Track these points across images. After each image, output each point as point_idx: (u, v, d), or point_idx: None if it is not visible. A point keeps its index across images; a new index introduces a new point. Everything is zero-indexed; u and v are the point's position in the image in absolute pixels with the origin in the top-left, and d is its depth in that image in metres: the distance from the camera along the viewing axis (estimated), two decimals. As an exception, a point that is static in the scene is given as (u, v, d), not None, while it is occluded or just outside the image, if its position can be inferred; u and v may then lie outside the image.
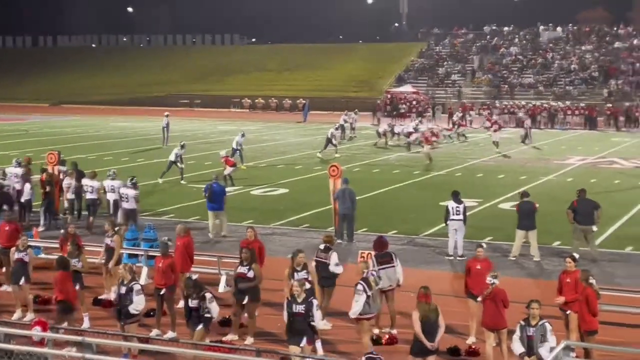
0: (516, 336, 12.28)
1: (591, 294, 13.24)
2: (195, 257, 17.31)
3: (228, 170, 30.51)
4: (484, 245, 15.27)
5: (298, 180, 33.79)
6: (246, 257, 14.89)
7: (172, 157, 33.05)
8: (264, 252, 16.95)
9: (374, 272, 14.66)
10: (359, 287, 13.79)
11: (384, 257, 15.44)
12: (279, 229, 24.51)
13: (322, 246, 15.84)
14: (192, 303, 13.38)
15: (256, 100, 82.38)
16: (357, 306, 13.69)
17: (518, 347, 12.24)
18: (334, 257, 15.60)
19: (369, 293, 13.76)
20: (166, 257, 15.41)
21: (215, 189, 23.17)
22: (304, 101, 73.30)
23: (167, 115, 48.25)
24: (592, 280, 13.41)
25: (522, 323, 12.28)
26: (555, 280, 14.98)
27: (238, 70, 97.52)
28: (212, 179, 24.54)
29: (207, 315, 13.35)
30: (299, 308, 12.58)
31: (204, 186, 24.29)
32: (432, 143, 40.82)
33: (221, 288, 17.70)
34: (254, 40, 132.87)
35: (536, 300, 12.35)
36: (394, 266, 15.41)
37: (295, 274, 14.42)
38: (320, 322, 13.22)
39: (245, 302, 14.84)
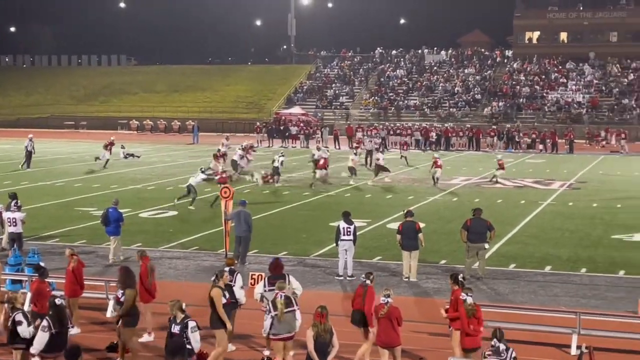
0: None
1: (462, 312, 13.63)
2: (84, 282, 16.96)
3: None
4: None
5: (188, 202, 33.51)
6: (120, 281, 14.78)
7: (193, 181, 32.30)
8: (146, 275, 16.54)
9: (282, 294, 14.80)
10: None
11: (277, 279, 15.46)
12: (169, 251, 24.24)
13: (227, 269, 15.75)
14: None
15: (144, 122, 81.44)
16: (265, 324, 13.84)
17: None
18: (239, 280, 15.66)
19: (273, 314, 13.84)
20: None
21: (110, 214, 22.78)
22: (193, 123, 72.90)
23: (30, 138, 47.23)
24: (463, 297, 13.78)
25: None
26: (441, 299, 15.31)
27: (125, 91, 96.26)
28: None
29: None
30: (176, 328, 12.56)
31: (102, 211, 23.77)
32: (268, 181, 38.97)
33: (109, 313, 17.32)
34: (141, 61, 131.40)
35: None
36: (288, 287, 15.40)
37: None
38: (197, 343, 12.98)
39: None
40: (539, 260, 23.18)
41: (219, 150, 43.62)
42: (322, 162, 39.48)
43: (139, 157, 51.99)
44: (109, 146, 47.06)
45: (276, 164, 39.53)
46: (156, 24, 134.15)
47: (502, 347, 12.04)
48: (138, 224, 28.22)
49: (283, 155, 41.36)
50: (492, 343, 12.11)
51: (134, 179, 41.18)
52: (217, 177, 34.06)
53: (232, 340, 15.32)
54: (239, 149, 43.25)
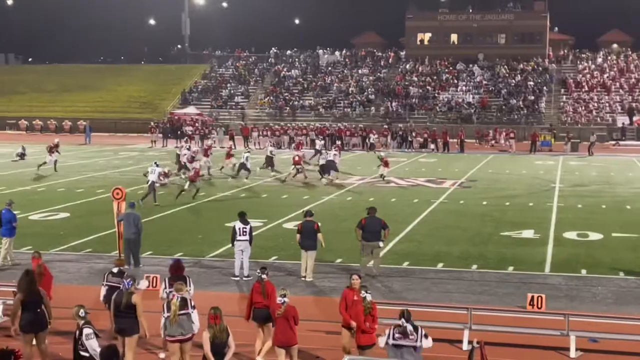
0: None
1: (360, 309, 13.82)
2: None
3: None
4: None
5: (80, 203, 32.85)
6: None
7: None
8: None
9: (181, 295, 14.67)
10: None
11: (177, 280, 15.34)
12: (60, 254, 23.72)
13: (115, 270, 15.50)
14: None
15: (34, 122, 79.39)
16: (160, 325, 13.77)
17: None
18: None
19: (166, 315, 13.73)
20: None
21: (3, 215, 22.18)
22: (84, 123, 71.47)
23: None
24: (364, 294, 13.97)
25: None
26: (337, 297, 15.42)
27: (13, 90, 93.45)
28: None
29: None
30: (77, 334, 12.37)
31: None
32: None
33: (-2, 318, 16.94)
34: (30, 60, 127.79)
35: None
36: (186, 290, 15.31)
37: None
38: (94, 351, 12.72)
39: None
40: (431, 257, 23.65)
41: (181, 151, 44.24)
42: (296, 158, 41.47)
43: (22, 158, 50.49)
44: (53, 149, 45.58)
45: (242, 160, 41.59)
46: (46, 21, 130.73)
47: (409, 327, 12.17)
48: (28, 227, 27.48)
49: (249, 152, 44.23)
50: (400, 323, 12.20)
51: (23, 181, 40.10)
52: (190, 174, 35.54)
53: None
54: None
